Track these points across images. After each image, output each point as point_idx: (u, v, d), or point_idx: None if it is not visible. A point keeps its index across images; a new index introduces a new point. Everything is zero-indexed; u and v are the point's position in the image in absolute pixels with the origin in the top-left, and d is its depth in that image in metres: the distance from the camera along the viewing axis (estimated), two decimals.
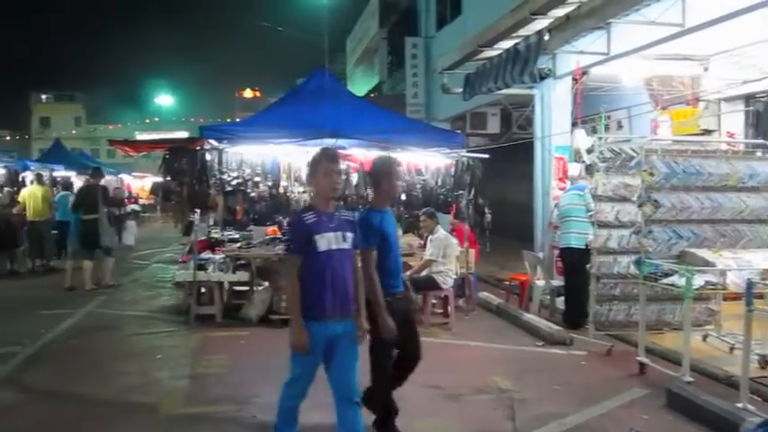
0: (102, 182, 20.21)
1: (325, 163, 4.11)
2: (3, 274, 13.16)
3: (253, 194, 9.18)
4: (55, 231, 14.49)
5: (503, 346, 7.74)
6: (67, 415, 5.56)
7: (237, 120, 52.67)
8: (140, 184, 26.99)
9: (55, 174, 17.76)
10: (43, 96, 66.03)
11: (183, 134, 51.45)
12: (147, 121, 59.54)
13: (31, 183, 14.61)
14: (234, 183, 9.03)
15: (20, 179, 14.76)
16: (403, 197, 9.79)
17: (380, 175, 4.76)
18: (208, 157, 8.65)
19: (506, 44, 9.69)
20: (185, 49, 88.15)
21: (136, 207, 18.48)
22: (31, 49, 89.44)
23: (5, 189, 14.27)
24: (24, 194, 13.99)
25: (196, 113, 61.01)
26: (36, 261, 14.15)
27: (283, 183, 9.36)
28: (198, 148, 8.71)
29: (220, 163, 8.91)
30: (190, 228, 9.34)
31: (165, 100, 58.68)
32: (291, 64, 73.15)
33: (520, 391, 5.96)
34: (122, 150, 10.32)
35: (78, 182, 18.89)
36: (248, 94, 68.67)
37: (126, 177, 25.78)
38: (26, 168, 15.90)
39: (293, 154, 9.28)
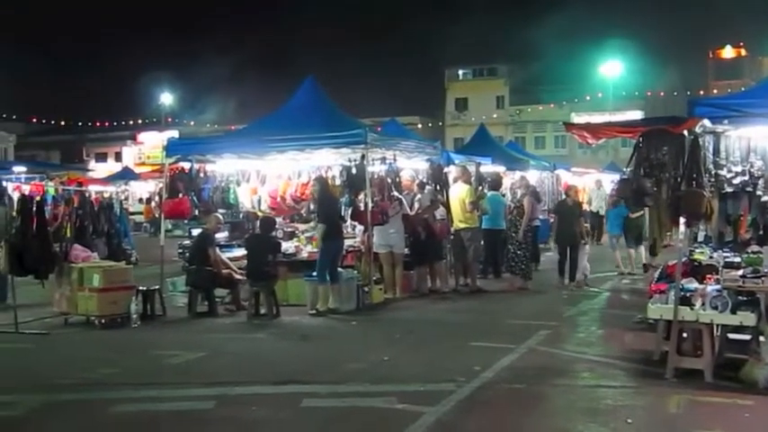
0: (534, 180, 21.79)
1: None
2: (424, 294, 15.10)
3: (765, 198, 8.74)
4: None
5: None
6: None
7: (715, 92, 51.25)
8: (581, 182, 27.90)
9: (482, 169, 19.50)
10: (460, 72, 73.21)
11: (636, 114, 52.38)
12: (588, 98, 61.56)
13: (454, 181, 16.27)
14: (736, 181, 8.73)
15: (443, 176, 16.48)
16: None
17: None
18: (701, 144, 8.55)
19: None
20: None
21: None
22: (443, 19, 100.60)
23: (427, 187, 16.11)
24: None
25: (652, 86, 61.04)
26: (459, 279, 15.79)
27: None
28: (685, 132, 8.64)
29: (717, 152, 8.71)
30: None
31: (611, 69, 59.79)
32: None
33: None
34: (580, 137, 10.81)
35: (507, 180, 20.52)
36: (728, 53, 66.51)
37: (563, 174, 26.88)
38: (450, 162, 17.72)
39: None
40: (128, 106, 76.89)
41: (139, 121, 67.51)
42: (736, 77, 59.11)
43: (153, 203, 34.38)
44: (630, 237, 18.16)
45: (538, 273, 17.87)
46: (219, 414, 7.77)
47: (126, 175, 43.92)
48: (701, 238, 10.02)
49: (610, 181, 26.05)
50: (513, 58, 69.81)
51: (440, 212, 15.44)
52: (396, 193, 14.84)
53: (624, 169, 10.82)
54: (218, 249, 13.90)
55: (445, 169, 16.82)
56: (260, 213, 15.66)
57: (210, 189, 16.03)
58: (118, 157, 68.99)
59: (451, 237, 15.65)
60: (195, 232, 16.14)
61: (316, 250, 13.57)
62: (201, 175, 15.96)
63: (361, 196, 14.13)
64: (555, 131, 64.44)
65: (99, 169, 57.41)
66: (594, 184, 27.04)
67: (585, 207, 21.50)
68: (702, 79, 63.51)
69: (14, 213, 12.32)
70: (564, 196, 17.99)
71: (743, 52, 66.12)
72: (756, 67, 60.86)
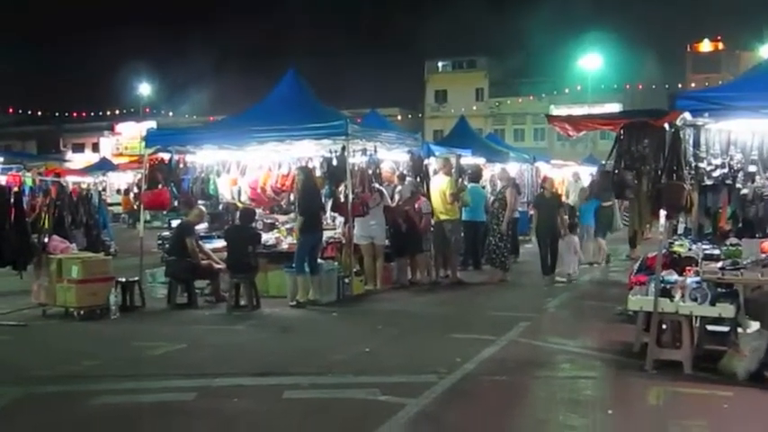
0: (514, 173, 21.88)
1: None
2: (404, 286, 15.11)
3: (744, 191, 8.79)
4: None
5: None
6: None
7: (693, 85, 51.41)
8: (560, 175, 27.96)
9: (462, 161, 19.52)
10: (440, 64, 73.18)
11: (615, 107, 52.35)
12: (567, 91, 61.62)
13: (435, 173, 16.34)
14: (716, 174, 8.78)
15: (424, 168, 16.50)
16: None
17: None
18: (682, 137, 8.57)
19: None
20: None
21: None
22: (423, 11, 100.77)
23: (408, 179, 16.09)
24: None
25: (631, 79, 61.25)
26: (440, 271, 15.81)
27: None
28: (667, 125, 8.67)
29: (698, 145, 8.75)
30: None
31: (590, 62, 59.55)
32: None
33: None
34: (561, 129, 10.81)
35: (487, 171, 20.58)
36: (706, 47, 66.81)
37: (542, 166, 26.91)
38: (430, 154, 17.72)
39: None
40: (105, 96, 76.36)
41: (117, 112, 67.08)
42: (713, 71, 59.39)
43: (131, 194, 34.08)
44: (600, 226, 18.63)
45: (518, 265, 17.98)
46: (201, 406, 7.74)
47: (104, 165, 43.51)
48: (680, 230, 10.06)
49: (588, 174, 26.06)
50: (493, 50, 69.95)
51: (425, 206, 15.42)
52: (376, 185, 14.80)
53: (603, 161, 10.86)
54: (198, 240, 13.82)
55: (425, 161, 16.83)
56: (240, 204, 15.59)
57: (190, 180, 15.95)
58: (95, 147, 68.59)
59: (431, 228, 15.64)
60: (174, 223, 16.04)
61: (296, 242, 13.53)
62: (181, 165, 15.87)
63: (342, 188, 14.11)
64: (534, 124, 64.70)
65: (76, 160, 56.94)
66: (572, 177, 26.96)
67: (564, 200, 21.46)
68: (680, 72, 63.79)
69: None
70: (541, 189, 18.02)
71: (720, 46, 66.43)
72: (734, 61, 61.12)
